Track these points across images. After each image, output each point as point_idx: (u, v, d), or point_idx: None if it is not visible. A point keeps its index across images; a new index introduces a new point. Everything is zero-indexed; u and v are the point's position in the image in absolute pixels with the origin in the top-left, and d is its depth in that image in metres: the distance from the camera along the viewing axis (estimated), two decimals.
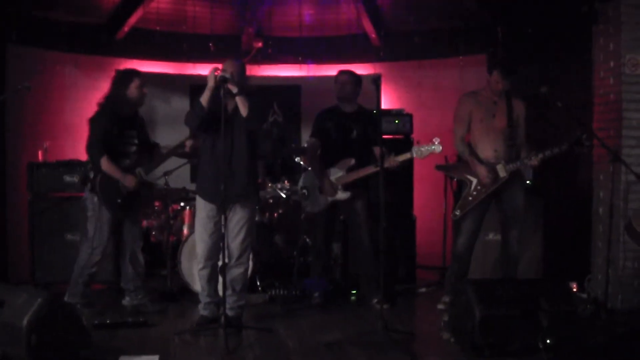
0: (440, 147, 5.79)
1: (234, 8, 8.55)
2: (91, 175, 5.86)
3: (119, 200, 5.83)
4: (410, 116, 7.43)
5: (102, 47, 8.10)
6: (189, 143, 5.94)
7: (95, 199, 5.82)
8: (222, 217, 5.23)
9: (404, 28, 8.42)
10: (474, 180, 5.87)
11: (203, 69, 8.34)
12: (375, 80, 5.34)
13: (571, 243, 6.84)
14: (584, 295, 6.30)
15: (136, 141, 5.97)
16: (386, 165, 5.76)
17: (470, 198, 5.88)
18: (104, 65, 8.22)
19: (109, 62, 8.25)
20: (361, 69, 8.41)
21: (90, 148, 5.87)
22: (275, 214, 7.30)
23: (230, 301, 5.43)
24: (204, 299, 5.63)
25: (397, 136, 7.37)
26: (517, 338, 4.66)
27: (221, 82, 5.16)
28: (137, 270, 6.07)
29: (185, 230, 6.97)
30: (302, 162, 6.92)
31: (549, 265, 6.85)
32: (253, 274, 6.41)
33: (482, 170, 5.80)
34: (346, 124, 6.32)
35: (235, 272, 5.53)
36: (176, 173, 6.80)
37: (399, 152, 6.00)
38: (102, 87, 7.86)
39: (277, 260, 7.07)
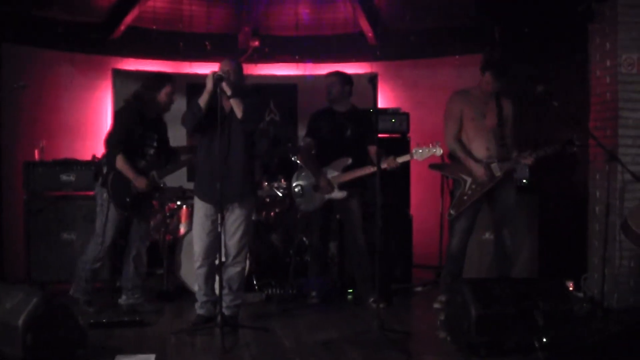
0: (441, 150, 5.81)
1: (231, 7, 8.54)
2: (104, 170, 5.86)
3: (128, 199, 5.83)
4: (406, 115, 7.43)
5: (98, 46, 8.09)
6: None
7: (105, 194, 5.81)
8: (219, 216, 5.23)
9: (400, 27, 8.42)
10: (469, 180, 5.89)
11: (199, 68, 8.35)
12: (372, 79, 5.34)
13: (567, 242, 6.84)
14: (580, 294, 6.31)
15: (155, 144, 5.98)
16: (386, 166, 5.77)
17: (465, 197, 5.89)
18: (100, 64, 8.23)
19: (105, 61, 8.26)
20: (358, 68, 8.44)
21: (108, 143, 5.88)
22: (272, 213, 7.30)
23: (226, 300, 5.44)
24: (200, 297, 5.63)
25: (393, 135, 7.38)
26: (513, 337, 4.66)
27: (217, 80, 5.17)
28: (139, 270, 6.07)
29: (182, 229, 6.97)
30: (298, 161, 6.92)
31: (545, 264, 6.86)
32: (250, 273, 6.41)
33: (479, 169, 5.81)
34: (340, 123, 6.33)
35: (232, 271, 5.53)
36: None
37: (395, 151, 6.00)
38: (98, 86, 7.87)
39: (274, 259, 7.07)
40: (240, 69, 5.53)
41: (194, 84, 8.00)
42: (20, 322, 4.18)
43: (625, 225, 5.43)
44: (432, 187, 7.54)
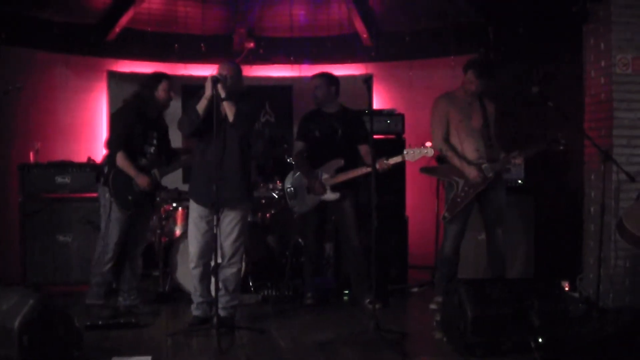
0: (432, 151, 5.81)
1: (226, 8, 8.54)
2: (105, 169, 5.85)
3: (130, 197, 5.82)
4: (402, 116, 7.43)
5: (93, 47, 8.06)
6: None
7: (107, 194, 5.80)
8: (215, 217, 5.23)
9: (395, 28, 8.42)
10: (461, 182, 5.90)
11: (195, 70, 8.34)
12: (367, 80, 5.36)
13: (563, 242, 6.86)
14: (576, 295, 6.32)
15: (155, 142, 5.97)
16: (378, 167, 5.77)
17: (458, 199, 5.89)
18: (95, 65, 8.22)
19: (100, 63, 8.25)
20: (353, 69, 8.44)
21: (109, 142, 5.88)
22: (268, 214, 7.30)
23: (222, 301, 5.44)
24: (196, 299, 5.63)
25: (388, 136, 7.37)
26: (509, 337, 4.67)
27: (213, 82, 5.16)
28: (134, 272, 6.07)
29: (177, 231, 6.97)
30: (294, 162, 6.92)
31: (540, 264, 6.87)
32: (245, 274, 6.41)
33: (472, 170, 5.82)
34: (330, 124, 6.34)
35: (227, 272, 5.53)
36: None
37: (390, 152, 6.00)
38: (94, 88, 7.86)
39: (270, 261, 7.07)
40: (239, 72, 5.53)
41: (189, 85, 8.03)
42: (16, 324, 4.17)
43: (621, 226, 5.44)
44: (428, 188, 7.54)
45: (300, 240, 6.93)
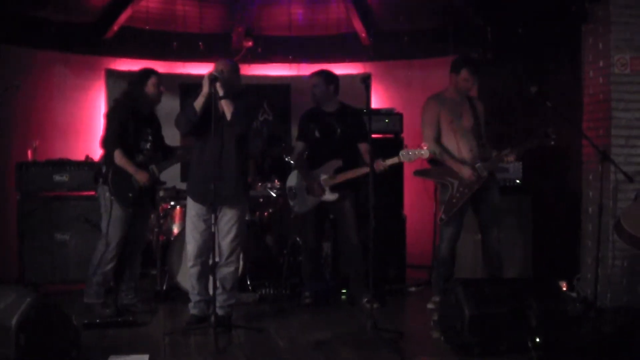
0: (429, 153, 5.78)
1: (224, 7, 8.53)
2: (103, 169, 5.84)
3: (130, 194, 5.81)
4: (400, 115, 7.43)
5: (91, 46, 8.06)
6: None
7: (107, 193, 5.79)
8: (212, 216, 5.23)
9: (394, 28, 8.41)
10: (455, 182, 5.89)
11: (193, 68, 8.34)
12: (365, 79, 5.34)
13: (560, 242, 6.86)
14: (573, 294, 6.32)
15: (150, 138, 5.97)
16: (375, 167, 5.75)
17: (454, 200, 5.89)
18: (93, 64, 8.21)
19: (98, 61, 8.24)
20: (351, 69, 8.44)
21: (105, 141, 5.86)
22: (266, 213, 7.30)
23: (220, 300, 5.43)
24: (194, 297, 5.63)
25: (387, 135, 7.37)
26: (506, 337, 4.67)
27: (211, 80, 5.16)
28: (133, 271, 6.07)
29: (175, 230, 6.96)
30: (292, 162, 6.92)
31: (538, 264, 6.87)
32: (243, 273, 6.40)
33: (467, 171, 5.82)
34: (329, 123, 6.32)
35: (225, 270, 5.53)
36: (166, 172, 6.76)
37: (389, 151, 5.99)
38: (92, 86, 7.85)
39: (268, 260, 7.06)
40: (237, 70, 5.53)
41: (187, 84, 8.02)
42: (13, 322, 4.17)
43: (619, 226, 5.44)
44: (426, 187, 7.53)
45: (298, 239, 6.93)
